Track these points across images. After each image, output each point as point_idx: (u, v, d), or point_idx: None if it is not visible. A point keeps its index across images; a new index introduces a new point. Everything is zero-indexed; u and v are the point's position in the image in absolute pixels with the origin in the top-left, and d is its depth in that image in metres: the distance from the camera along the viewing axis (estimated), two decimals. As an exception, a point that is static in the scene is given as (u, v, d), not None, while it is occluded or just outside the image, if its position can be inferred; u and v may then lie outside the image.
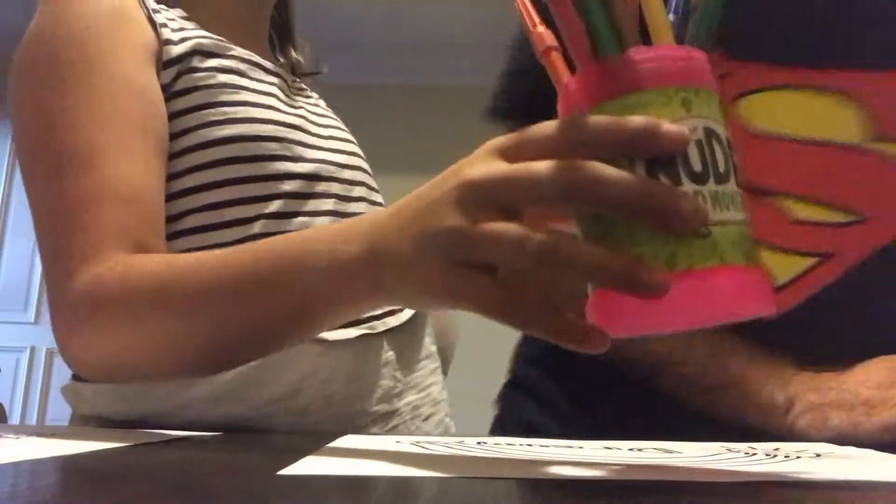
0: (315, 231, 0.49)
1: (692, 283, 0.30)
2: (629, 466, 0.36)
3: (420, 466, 0.33)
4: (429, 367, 0.75)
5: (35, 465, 0.32)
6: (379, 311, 0.68)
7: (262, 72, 0.72)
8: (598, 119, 0.32)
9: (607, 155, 0.31)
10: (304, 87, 0.83)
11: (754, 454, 0.42)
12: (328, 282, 0.43)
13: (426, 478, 0.30)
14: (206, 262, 0.51)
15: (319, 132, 0.74)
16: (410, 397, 0.71)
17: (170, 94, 0.65)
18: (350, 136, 0.80)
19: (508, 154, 0.35)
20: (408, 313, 0.71)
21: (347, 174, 0.73)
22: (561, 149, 0.32)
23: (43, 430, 0.56)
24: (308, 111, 0.76)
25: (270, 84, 0.72)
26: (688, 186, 0.31)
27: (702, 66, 0.33)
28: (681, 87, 0.32)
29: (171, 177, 0.65)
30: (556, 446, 0.45)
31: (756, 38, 0.54)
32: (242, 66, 0.70)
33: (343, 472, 0.30)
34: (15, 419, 3.29)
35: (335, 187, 0.71)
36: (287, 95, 0.74)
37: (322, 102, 0.83)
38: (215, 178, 0.64)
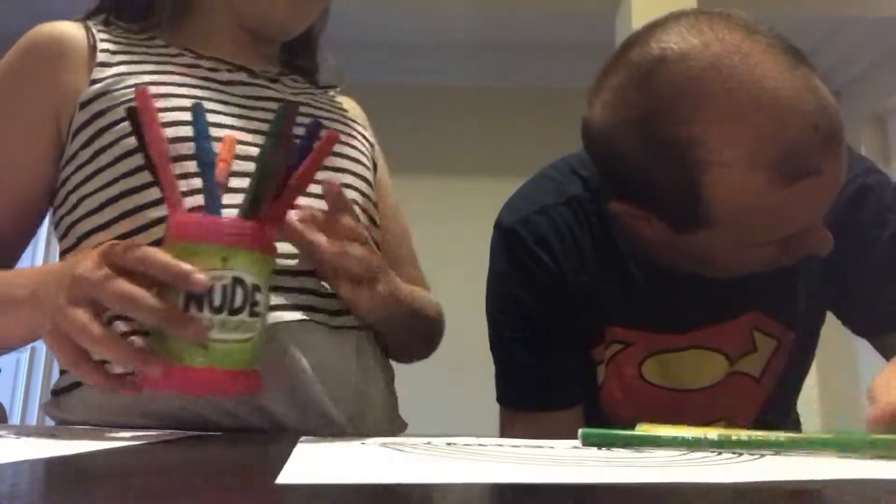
0: (10, 272, 0.65)
1: (186, 373, 0.47)
2: (595, 467, 0.36)
3: (410, 473, 0.33)
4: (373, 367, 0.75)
5: (35, 466, 0.33)
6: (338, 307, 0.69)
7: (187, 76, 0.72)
8: (159, 258, 0.47)
9: (162, 281, 0.47)
10: (308, 90, 0.83)
11: (720, 454, 0.42)
12: (5, 313, 0.60)
13: (416, 485, 0.30)
14: None
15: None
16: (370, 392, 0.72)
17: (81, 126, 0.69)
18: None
19: (107, 261, 0.48)
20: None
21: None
22: (129, 267, 0.47)
23: (43, 431, 0.56)
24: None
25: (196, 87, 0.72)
26: (206, 313, 0.47)
27: (246, 233, 0.49)
28: (223, 246, 0.48)
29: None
30: (525, 446, 0.45)
31: (647, 315, 0.75)
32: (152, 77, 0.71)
33: (333, 481, 0.30)
34: (15, 419, 3.29)
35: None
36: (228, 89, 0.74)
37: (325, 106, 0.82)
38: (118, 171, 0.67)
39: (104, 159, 0.67)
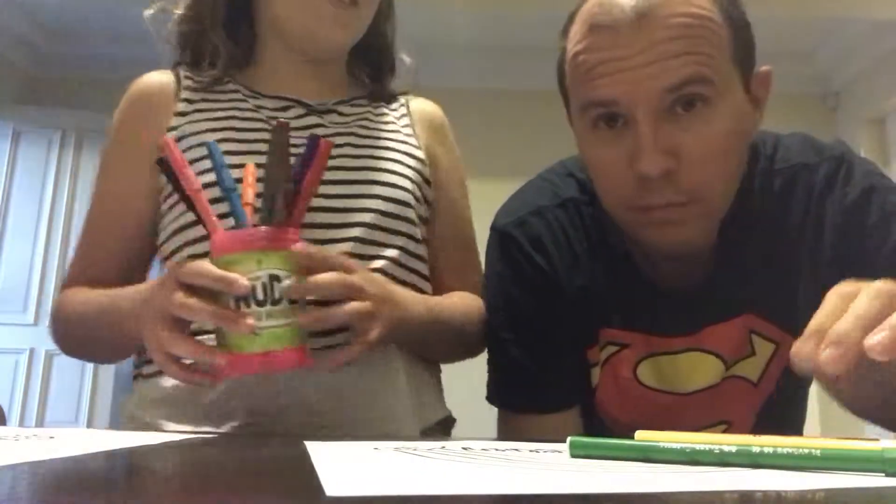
0: (118, 291, 0.74)
1: (245, 359, 0.58)
2: (623, 474, 0.36)
3: (456, 482, 0.33)
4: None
5: (33, 468, 0.32)
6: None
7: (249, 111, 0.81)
8: (210, 271, 0.59)
9: (215, 291, 0.59)
10: (363, 113, 0.86)
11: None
12: (118, 323, 0.70)
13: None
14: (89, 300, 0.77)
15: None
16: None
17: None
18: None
19: (175, 280, 0.60)
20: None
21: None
22: (195, 283, 0.59)
23: (41, 433, 0.56)
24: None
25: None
26: (253, 308, 0.58)
27: (271, 237, 0.59)
28: (256, 251, 0.59)
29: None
30: (544, 451, 0.44)
31: (641, 317, 0.76)
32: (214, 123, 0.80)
33: (383, 493, 0.29)
34: (14, 421, 3.28)
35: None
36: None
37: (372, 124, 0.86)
38: None
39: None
